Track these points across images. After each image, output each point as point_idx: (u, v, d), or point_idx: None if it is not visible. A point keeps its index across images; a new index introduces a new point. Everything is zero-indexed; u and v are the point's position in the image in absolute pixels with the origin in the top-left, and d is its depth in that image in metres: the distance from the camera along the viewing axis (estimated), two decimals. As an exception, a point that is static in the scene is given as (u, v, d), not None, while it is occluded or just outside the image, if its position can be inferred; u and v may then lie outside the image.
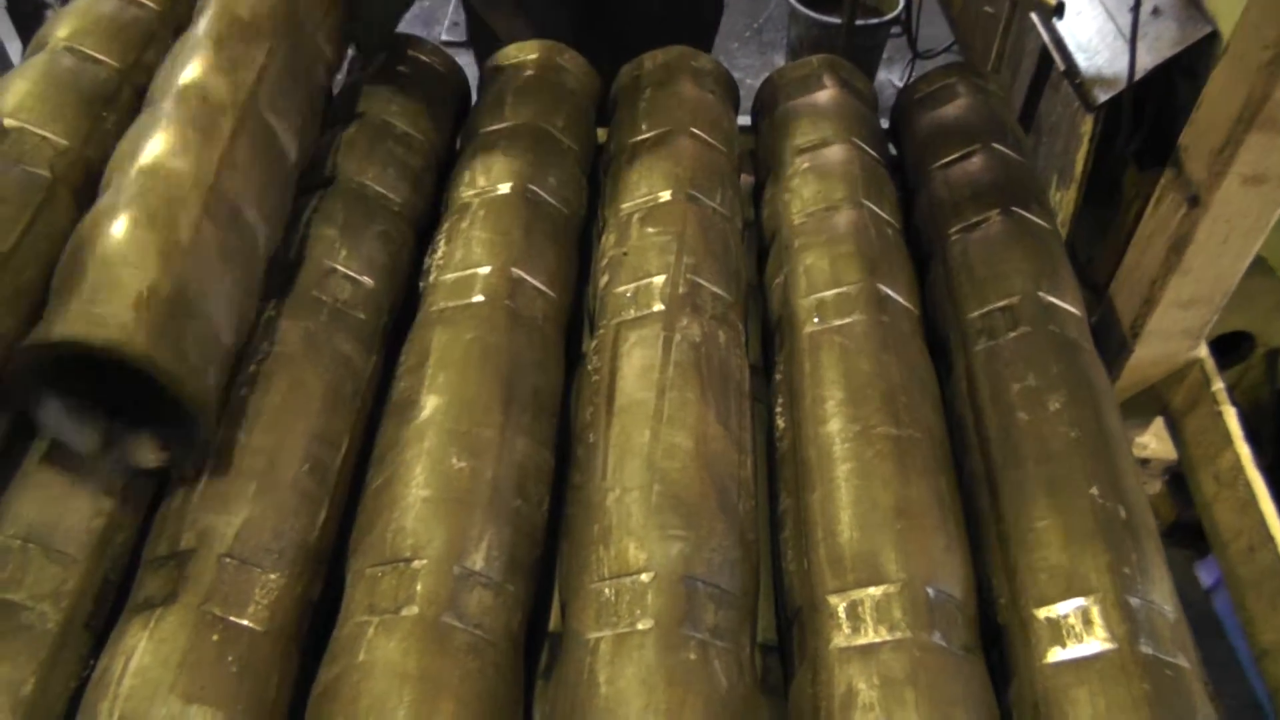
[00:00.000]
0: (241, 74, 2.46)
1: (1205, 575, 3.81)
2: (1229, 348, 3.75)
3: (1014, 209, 2.74)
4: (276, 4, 2.68)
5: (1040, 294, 2.53)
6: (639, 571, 2.00)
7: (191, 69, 2.43)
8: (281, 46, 2.63)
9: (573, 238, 2.83)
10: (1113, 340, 2.91)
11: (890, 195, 2.94)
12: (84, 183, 2.48)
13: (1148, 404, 3.04)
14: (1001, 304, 2.55)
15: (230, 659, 1.91)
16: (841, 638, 2.01)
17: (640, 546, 2.03)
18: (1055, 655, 2.00)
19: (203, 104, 2.35)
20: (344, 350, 2.39)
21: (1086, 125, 3.59)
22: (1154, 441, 3.10)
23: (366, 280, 2.55)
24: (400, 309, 2.67)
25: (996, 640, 2.14)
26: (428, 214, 2.93)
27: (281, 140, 2.53)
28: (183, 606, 1.95)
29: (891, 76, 7.12)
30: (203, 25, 2.55)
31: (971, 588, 2.14)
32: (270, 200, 2.44)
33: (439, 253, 2.63)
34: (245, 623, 1.96)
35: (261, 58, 2.54)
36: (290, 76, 2.65)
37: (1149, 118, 3.41)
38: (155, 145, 2.25)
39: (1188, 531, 3.16)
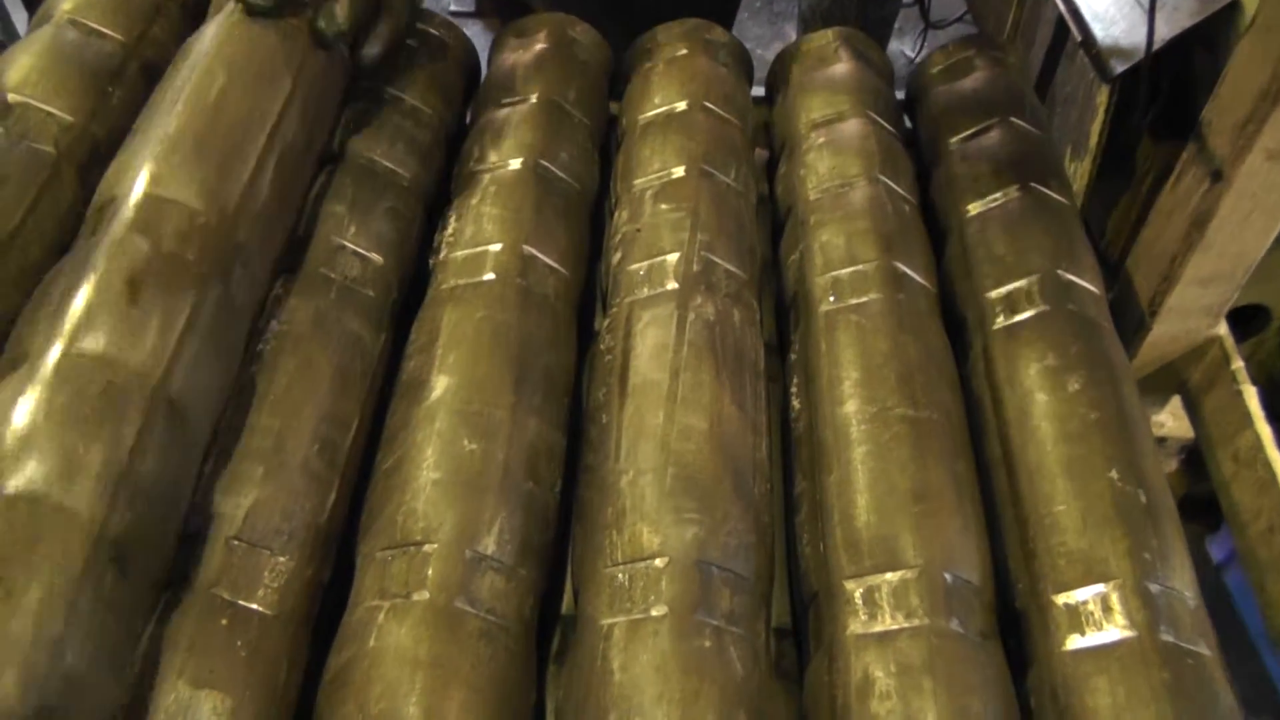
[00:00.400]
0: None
1: (1217, 551, 3.78)
2: (1242, 321, 3.71)
3: (1032, 185, 2.70)
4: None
5: (1059, 272, 2.49)
6: (653, 556, 1.97)
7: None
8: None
9: (584, 214, 2.79)
10: (1130, 317, 2.87)
11: (907, 171, 2.90)
12: (89, 160, 2.45)
13: (1165, 382, 3.00)
14: (1020, 282, 2.51)
15: (239, 643, 1.88)
16: (858, 624, 1.99)
17: (654, 530, 2.00)
18: (1074, 643, 1.98)
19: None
20: (353, 329, 2.35)
21: (1102, 96, 3.53)
22: (1170, 420, 3.06)
23: (376, 257, 2.51)
24: (410, 287, 2.63)
25: (1014, 627, 2.12)
26: (437, 190, 2.89)
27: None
28: (190, 590, 1.92)
29: (903, 47, 7.04)
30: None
31: (989, 573, 2.11)
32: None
33: (449, 229, 2.59)
34: (254, 606, 1.94)
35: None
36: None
37: (1165, 89, 3.35)
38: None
39: (1199, 505, 3.12)
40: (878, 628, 1.97)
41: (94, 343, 1.88)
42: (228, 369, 2.15)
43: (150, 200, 2.13)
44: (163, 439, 1.88)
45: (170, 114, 2.30)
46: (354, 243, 2.51)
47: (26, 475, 1.68)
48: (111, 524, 1.73)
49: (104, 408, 1.82)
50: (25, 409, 1.77)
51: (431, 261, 2.59)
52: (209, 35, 2.49)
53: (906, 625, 1.95)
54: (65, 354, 1.86)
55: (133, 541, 1.76)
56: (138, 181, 2.17)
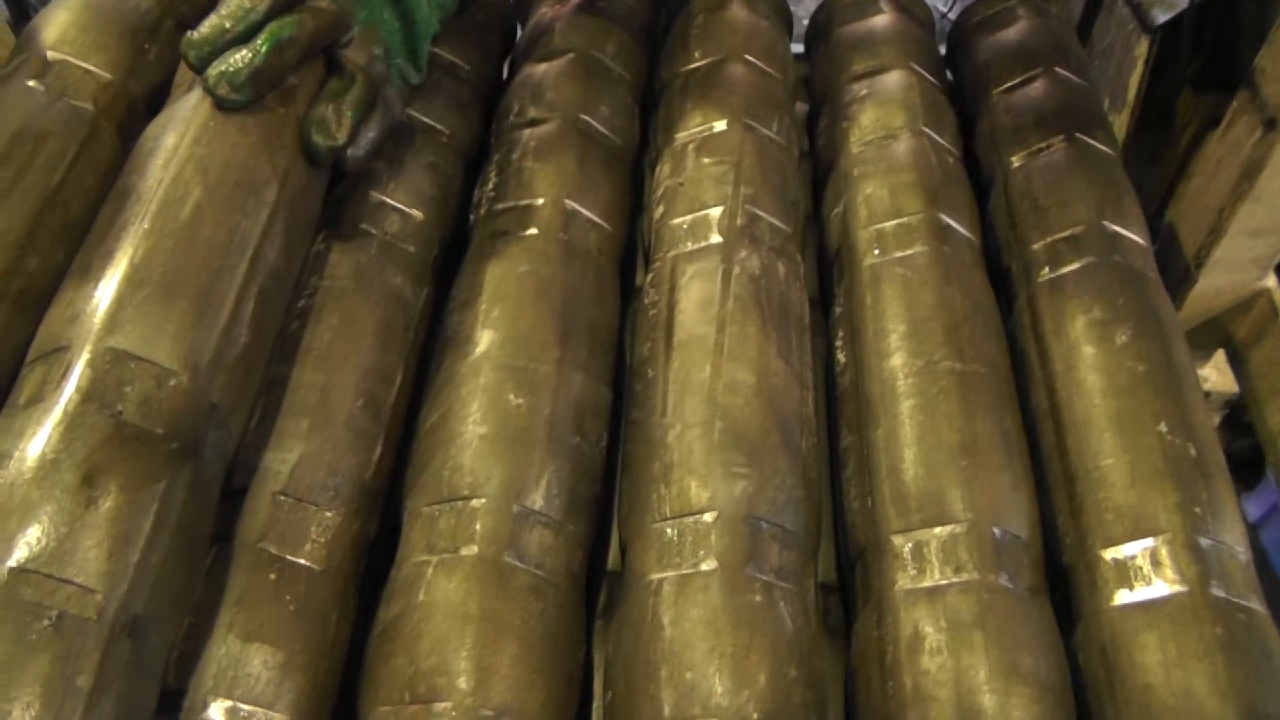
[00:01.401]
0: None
1: (1253, 509, 3.77)
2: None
3: (1077, 135, 2.67)
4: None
5: (1105, 223, 2.46)
6: (702, 511, 1.96)
7: None
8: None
9: (626, 168, 2.77)
10: (1175, 270, 2.85)
11: (950, 122, 2.87)
12: (127, 117, 2.44)
13: (1210, 336, 2.98)
14: (1065, 233, 2.48)
15: (288, 597, 1.89)
16: (906, 579, 1.98)
17: (703, 485, 1.99)
18: (1123, 598, 1.96)
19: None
20: (395, 284, 2.34)
21: (1142, 48, 3.48)
22: (1215, 374, 3.04)
23: (416, 213, 2.50)
24: (450, 243, 2.62)
25: (1060, 583, 2.10)
26: (476, 145, 2.87)
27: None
28: (238, 545, 1.92)
29: (936, 2, 6.98)
30: None
31: (1037, 528, 2.10)
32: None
33: (489, 185, 2.58)
34: (302, 561, 1.94)
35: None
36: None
37: (1209, 40, 3.31)
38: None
39: (1237, 463, 3.11)
40: (927, 583, 1.96)
41: (41, 560, 1.56)
42: (196, 566, 1.87)
43: (110, 356, 1.79)
44: (123, 678, 1.60)
45: (134, 235, 1.95)
46: (394, 199, 2.49)
47: None
48: None
49: (53, 645, 1.52)
50: None
51: (472, 217, 2.58)
52: (179, 126, 2.14)
53: (956, 580, 1.94)
54: (7, 575, 1.54)
55: None
56: (93, 329, 1.83)
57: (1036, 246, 2.51)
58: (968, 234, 2.55)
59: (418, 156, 2.61)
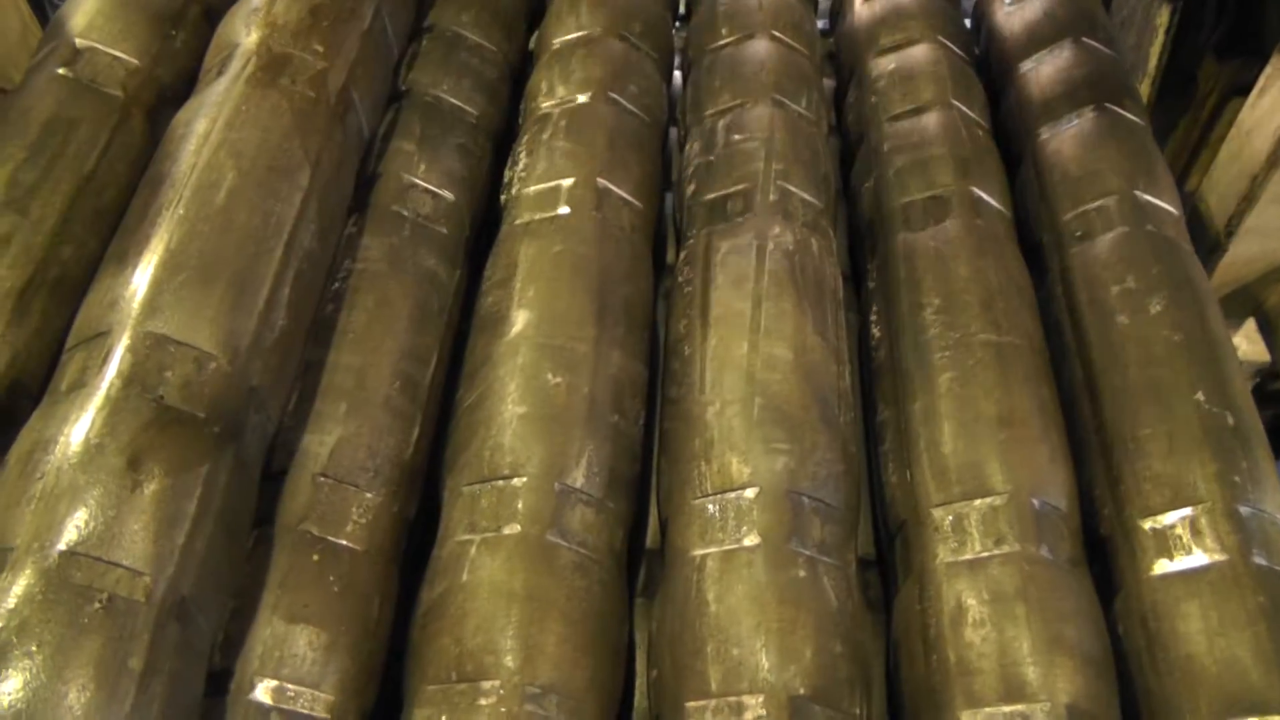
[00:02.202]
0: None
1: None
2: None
3: (1107, 105, 2.65)
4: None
5: (1136, 192, 2.45)
6: (743, 486, 1.96)
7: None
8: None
9: (656, 146, 2.76)
10: (1205, 239, 2.83)
11: (979, 95, 2.86)
12: (156, 103, 2.44)
13: (1240, 304, 2.97)
14: (1097, 204, 2.48)
15: (331, 578, 1.90)
16: (948, 551, 1.98)
17: (744, 461, 1.99)
18: (1163, 567, 1.96)
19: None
20: (428, 265, 2.35)
21: (1163, 17, 3.47)
22: (1245, 343, 3.02)
23: (447, 194, 2.50)
24: (481, 224, 2.62)
25: (1098, 553, 2.10)
26: (504, 126, 2.87)
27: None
28: (280, 527, 1.93)
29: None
30: None
31: (1075, 499, 2.09)
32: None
33: (520, 165, 2.57)
34: (344, 542, 1.95)
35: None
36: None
37: (1232, 7, 3.30)
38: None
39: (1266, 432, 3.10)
40: (968, 555, 1.96)
41: (90, 543, 1.59)
42: (239, 549, 1.88)
43: (150, 341, 1.81)
44: (172, 659, 1.62)
45: (169, 220, 1.97)
46: (424, 180, 2.50)
47: None
48: None
49: (105, 627, 1.54)
50: (3, 639, 1.48)
51: (503, 197, 2.57)
52: (210, 111, 2.16)
53: (997, 552, 1.94)
54: (58, 558, 1.57)
55: None
56: (133, 314, 1.84)
57: (1068, 218, 2.50)
58: (999, 206, 2.54)
59: (447, 138, 2.61)
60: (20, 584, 1.52)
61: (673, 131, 3.02)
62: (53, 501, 1.61)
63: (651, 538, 2.23)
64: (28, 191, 2.14)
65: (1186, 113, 3.59)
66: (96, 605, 1.54)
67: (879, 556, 2.25)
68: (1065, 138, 2.65)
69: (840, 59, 3.20)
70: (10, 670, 1.45)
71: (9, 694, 1.43)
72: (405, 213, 2.42)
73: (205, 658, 1.73)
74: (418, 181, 2.49)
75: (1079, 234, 2.46)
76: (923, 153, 2.59)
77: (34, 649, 1.47)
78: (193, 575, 1.68)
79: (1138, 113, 2.70)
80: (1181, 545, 1.96)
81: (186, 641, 1.65)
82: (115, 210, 2.19)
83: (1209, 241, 2.83)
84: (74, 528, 1.58)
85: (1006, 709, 1.79)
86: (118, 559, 1.59)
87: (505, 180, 2.62)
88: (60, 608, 1.51)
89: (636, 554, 2.20)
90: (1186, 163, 3.52)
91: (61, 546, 1.56)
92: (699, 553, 1.94)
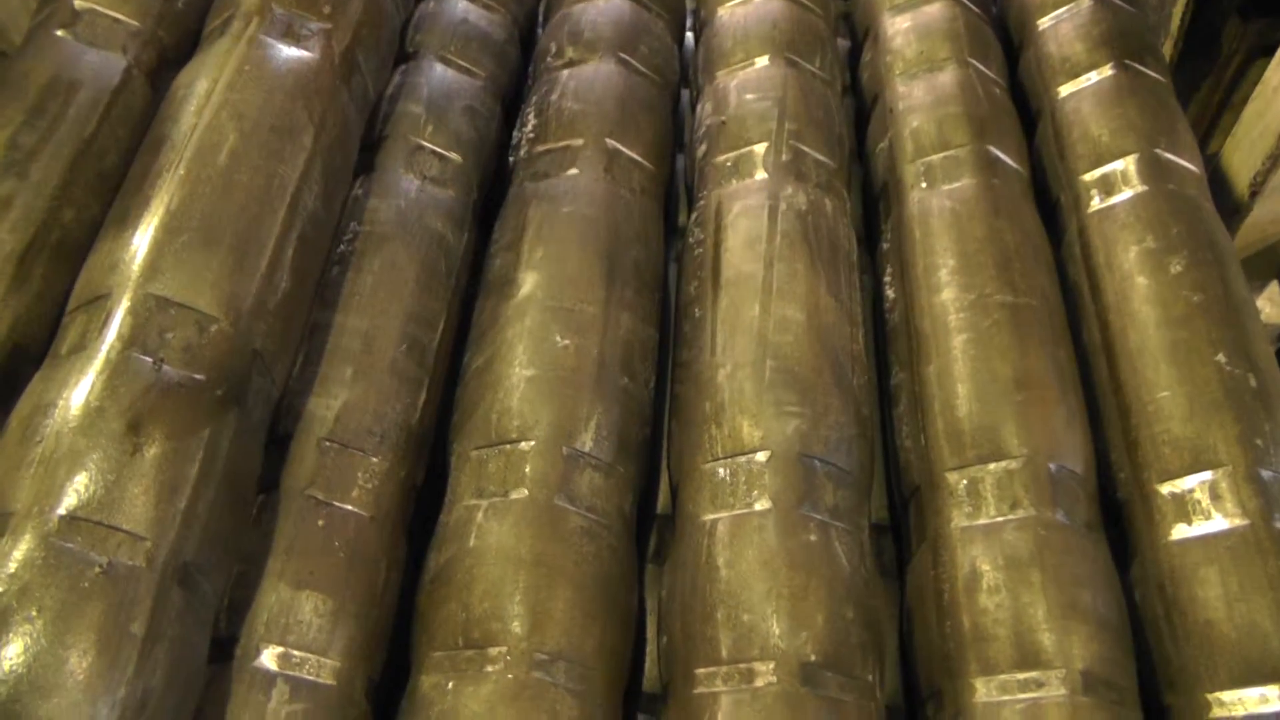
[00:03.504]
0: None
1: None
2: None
3: (1127, 62, 2.60)
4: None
5: (1157, 151, 2.40)
6: (754, 450, 1.94)
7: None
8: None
9: (667, 107, 2.72)
10: (1227, 200, 2.78)
11: (996, 53, 2.81)
12: (158, 65, 2.40)
13: (1263, 265, 2.91)
14: (1116, 163, 2.43)
15: (338, 544, 1.88)
16: (962, 516, 1.95)
17: (755, 424, 1.96)
18: (1181, 532, 1.93)
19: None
20: (436, 228, 2.31)
21: (1186, -23, 3.42)
22: (1268, 306, 2.97)
23: (454, 156, 2.47)
24: (490, 185, 2.59)
25: (1114, 518, 2.07)
26: (513, 87, 2.83)
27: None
28: (285, 492, 1.91)
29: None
30: None
31: (1092, 462, 2.06)
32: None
33: (529, 126, 2.54)
34: (350, 508, 1.92)
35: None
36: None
37: (1257, -34, 3.24)
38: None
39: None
40: (982, 520, 1.93)
41: (91, 508, 1.57)
42: (244, 513, 1.86)
43: (150, 304, 1.79)
44: (175, 624, 1.60)
45: (170, 182, 1.93)
46: (432, 142, 2.46)
47: (4, 699, 1.41)
48: None
49: (106, 593, 1.52)
50: (4, 603, 1.46)
51: (511, 159, 2.54)
52: (212, 72, 2.12)
53: (1012, 517, 1.91)
54: (58, 523, 1.54)
55: None
56: (133, 276, 1.82)
57: (1086, 177, 2.46)
58: (1016, 166, 2.50)
59: (454, 100, 2.58)
60: (20, 548, 1.51)
61: (684, 94, 2.97)
62: (53, 466, 1.59)
63: (661, 503, 2.20)
64: (28, 155, 2.11)
65: (1210, 74, 3.53)
66: (97, 570, 1.52)
67: (892, 522, 2.22)
68: (1085, 96, 2.60)
69: (855, 19, 3.15)
70: (11, 635, 1.43)
71: (10, 659, 1.42)
72: (412, 175, 2.39)
73: (210, 623, 1.71)
74: (425, 144, 2.45)
75: (1098, 193, 2.42)
76: (938, 111, 2.54)
77: (34, 614, 1.45)
78: (195, 540, 1.66)
79: (1159, 70, 2.64)
80: (1201, 510, 1.93)
81: (190, 607, 1.63)
82: (116, 173, 2.17)
83: (1231, 203, 2.78)
84: (74, 492, 1.57)
85: (1021, 675, 1.77)
86: (118, 524, 1.57)
87: (514, 142, 2.59)
88: (61, 572, 1.50)
89: (646, 520, 2.17)
90: (1209, 124, 3.47)
91: (61, 511, 1.55)
92: (710, 517, 1.91)
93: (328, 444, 1.97)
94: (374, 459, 1.99)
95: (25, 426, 1.67)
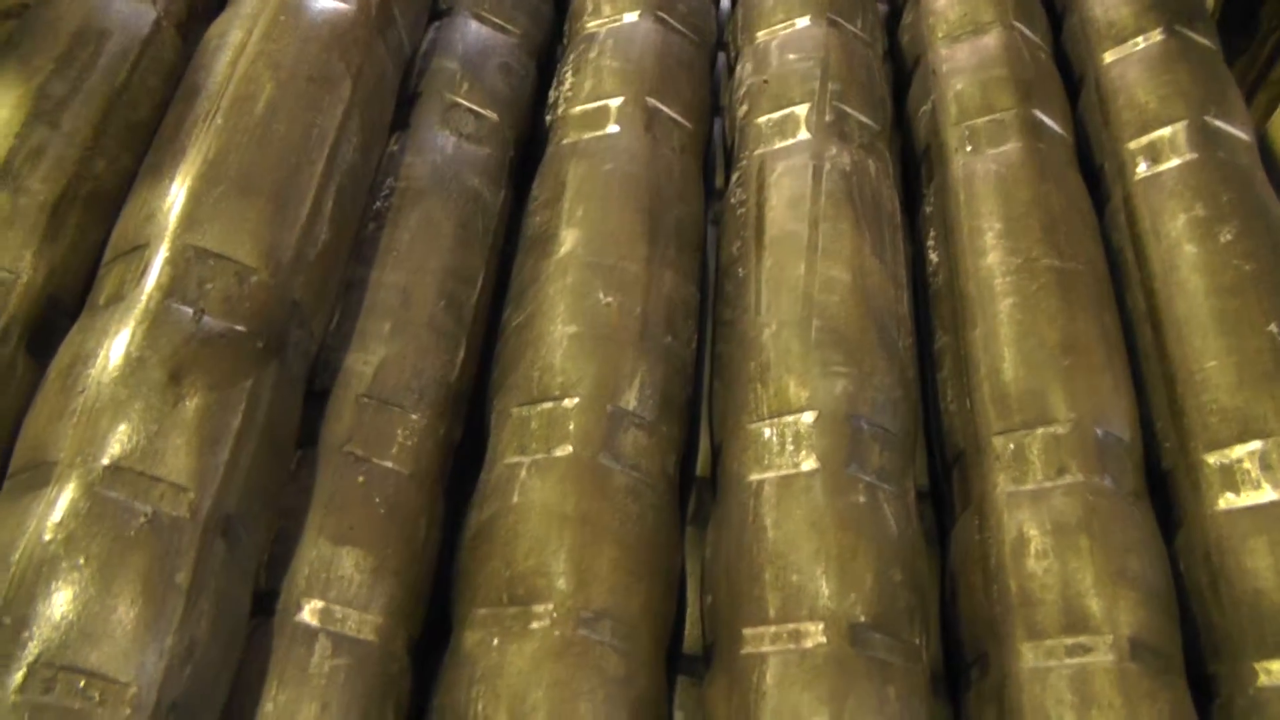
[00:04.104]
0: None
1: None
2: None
3: (1176, 28, 2.56)
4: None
5: (1207, 118, 2.36)
6: (801, 410, 1.91)
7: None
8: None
9: (704, 67, 2.69)
10: (1275, 170, 2.74)
11: (1040, 17, 2.76)
12: (187, 16, 2.37)
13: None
14: (1164, 130, 2.39)
15: (377, 500, 1.85)
16: (1009, 481, 1.92)
17: (801, 384, 1.94)
18: (1229, 502, 1.90)
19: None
20: (472, 184, 2.29)
21: (1223, -47, 3.37)
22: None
23: (490, 114, 2.44)
24: (525, 144, 2.56)
25: (1159, 488, 2.04)
26: (548, 45, 2.80)
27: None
28: (324, 448, 1.89)
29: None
30: None
31: (1138, 430, 2.03)
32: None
33: (566, 85, 2.51)
34: (389, 464, 1.90)
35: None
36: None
37: (1297, -61, 3.20)
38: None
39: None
40: (1030, 485, 1.90)
41: (134, 458, 1.55)
42: (283, 467, 1.83)
43: (189, 254, 1.77)
44: (219, 576, 1.58)
45: (205, 132, 1.92)
46: (467, 99, 2.43)
47: (56, 646, 1.39)
48: (166, 697, 1.45)
49: (150, 543, 1.50)
50: (51, 551, 1.45)
51: (549, 118, 2.51)
52: (245, 23, 2.10)
53: (1060, 482, 1.89)
54: (101, 472, 1.53)
55: (190, 701, 1.50)
56: (171, 226, 1.80)
57: (1132, 145, 2.42)
58: (1061, 131, 2.46)
59: (489, 57, 2.55)
60: (65, 497, 1.49)
61: (720, 57, 2.94)
62: (94, 415, 1.57)
63: (701, 465, 2.17)
64: (58, 104, 2.07)
65: (1246, 51, 3.49)
66: (141, 520, 1.51)
67: (931, 488, 2.20)
68: (1131, 61, 2.56)
69: (894, -20, 3.11)
70: (60, 582, 1.42)
71: (60, 605, 1.41)
72: (448, 132, 2.36)
73: (251, 577, 1.70)
74: (460, 101, 2.42)
75: (1144, 160, 2.38)
76: (983, 74, 2.51)
77: (82, 562, 1.44)
78: (237, 492, 1.64)
79: (1209, 36, 2.60)
80: (1250, 480, 1.90)
81: (233, 559, 1.62)
82: (148, 125, 2.14)
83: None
84: (116, 442, 1.55)
85: (1068, 641, 1.75)
86: (161, 474, 1.56)
87: (550, 100, 2.56)
88: (106, 521, 1.48)
89: (685, 482, 2.14)
90: (1247, 99, 3.42)
91: (105, 461, 1.53)
92: (756, 478, 1.89)
93: (366, 400, 1.94)
94: (413, 415, 1.96)
95: (65, 376, 1.65)
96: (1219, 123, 2.36)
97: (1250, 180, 2.28)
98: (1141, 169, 2.37)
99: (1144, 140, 2.41)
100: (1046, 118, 2.43)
